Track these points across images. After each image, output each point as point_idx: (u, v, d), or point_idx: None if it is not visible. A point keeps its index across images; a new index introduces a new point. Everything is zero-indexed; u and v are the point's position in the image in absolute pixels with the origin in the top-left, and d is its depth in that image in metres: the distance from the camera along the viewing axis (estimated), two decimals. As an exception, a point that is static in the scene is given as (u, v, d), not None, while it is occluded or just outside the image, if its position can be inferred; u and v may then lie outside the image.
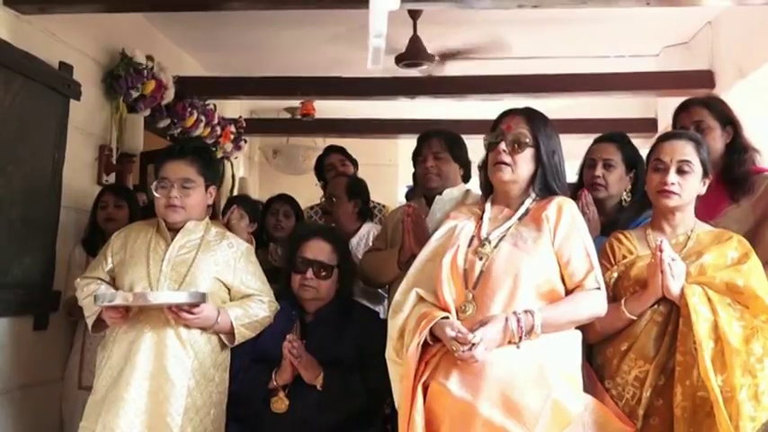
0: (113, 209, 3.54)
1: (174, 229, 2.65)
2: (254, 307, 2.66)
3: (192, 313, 2.46)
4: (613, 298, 2.21)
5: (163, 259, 2.57)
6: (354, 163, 4.52)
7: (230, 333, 2.60)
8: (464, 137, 3.10)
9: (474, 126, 4.71)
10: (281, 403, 2.57)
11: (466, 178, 3.05)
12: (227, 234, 2.76)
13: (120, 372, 2.46)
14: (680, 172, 2.23)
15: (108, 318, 2.52)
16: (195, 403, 2.48)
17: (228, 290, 2.66)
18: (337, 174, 4.20)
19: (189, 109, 4.78)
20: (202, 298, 2.47)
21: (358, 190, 3.68)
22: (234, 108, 6.16)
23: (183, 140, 4.60)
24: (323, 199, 3.90)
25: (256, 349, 2.67)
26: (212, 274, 2.61)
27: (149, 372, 2.46)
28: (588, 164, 2.76)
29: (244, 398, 2.62)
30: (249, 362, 2.66)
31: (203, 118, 5.02)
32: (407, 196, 4.03)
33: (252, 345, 2.66)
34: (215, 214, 3.15)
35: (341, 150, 4.51)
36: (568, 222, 2.12)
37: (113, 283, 2.64)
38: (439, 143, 2.97)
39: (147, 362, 2.46)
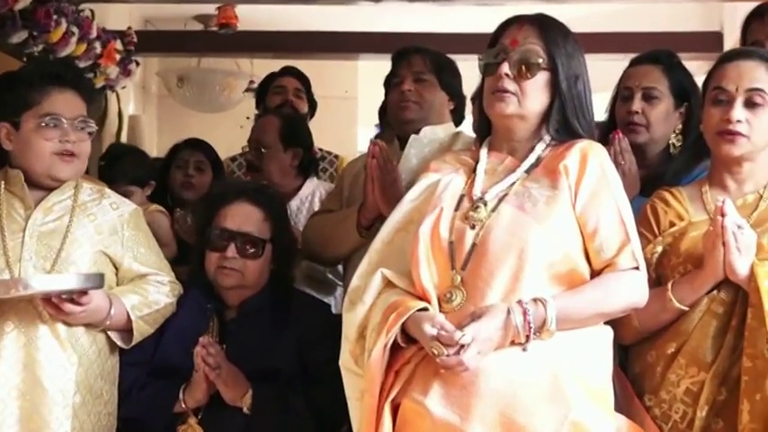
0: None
1: (40, 188, 2.63)
2: (153, 291, 2.68)
3: (79, 304, 2.45)
4: (657, 281, 2.26)
5: (24, 229, 2.57)
6: (313, 105, 4.50)
7: (125, 330, 2.61)
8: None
9: (465, 42, 4.72)
10: (192, 434, 2.60)
11: (457, 119, 3.04)
12: (107, 191, 2.78)
13: None
14: (749, 105, 2.26)
15: None
16: (82, 428, 2.50)
17: (116, 268, 2.67)
18: (284, 103, 4.19)
19: (55, 16, 4.69)
20: (100, 281, 2.47)
21: (295, 134, 3.66)
22: (121, 16, 6.07)
23: (48, 62, 4.52)
24: (245, 148, 3.88)
25: (156, 357, 2.68)
26: (94, 246, 2.62)
27: (18, 389, 2.45)
28: (623, 95, 2.79)
29: (138, 427, 2.63)
30: (145, 376, 2.67)
31: (75, 30, 4.93)
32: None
33: (148, 351, 2.67)
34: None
35: (302, 77, 4.47)
36: (596, 176, 2.14)
37: None
38: (423, 62, 3.00)
39: (14, 374, 2.46)
